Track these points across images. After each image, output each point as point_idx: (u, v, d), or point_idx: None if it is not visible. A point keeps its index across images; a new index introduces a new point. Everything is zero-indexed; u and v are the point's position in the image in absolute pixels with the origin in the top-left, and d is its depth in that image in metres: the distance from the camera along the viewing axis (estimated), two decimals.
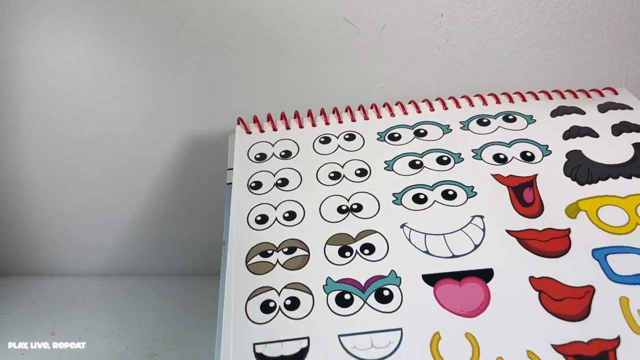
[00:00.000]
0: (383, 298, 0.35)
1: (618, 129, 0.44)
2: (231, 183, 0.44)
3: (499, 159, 0.43)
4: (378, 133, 0.46)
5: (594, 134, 0.44)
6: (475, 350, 0.32)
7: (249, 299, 0.36)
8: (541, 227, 0.38)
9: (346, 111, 0.49)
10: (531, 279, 0.35)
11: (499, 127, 0.45)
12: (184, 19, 0.51)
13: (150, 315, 0.46)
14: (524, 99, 0.48)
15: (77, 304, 0.50)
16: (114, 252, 0.57)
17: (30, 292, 0.54)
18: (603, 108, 0.46)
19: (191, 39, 0.52)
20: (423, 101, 0.49)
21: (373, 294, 0.35)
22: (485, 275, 0.36)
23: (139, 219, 0.57)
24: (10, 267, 0.57)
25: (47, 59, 0.52)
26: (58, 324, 0.46)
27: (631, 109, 0.46)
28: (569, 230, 0.38)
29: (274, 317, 0.35)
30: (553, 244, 0.37)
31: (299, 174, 0.44)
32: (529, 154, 0.43)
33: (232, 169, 0.45)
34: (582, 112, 0.46)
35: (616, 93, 0.49)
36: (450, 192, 0.41)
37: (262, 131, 0.48)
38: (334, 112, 0.49)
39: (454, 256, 0.37)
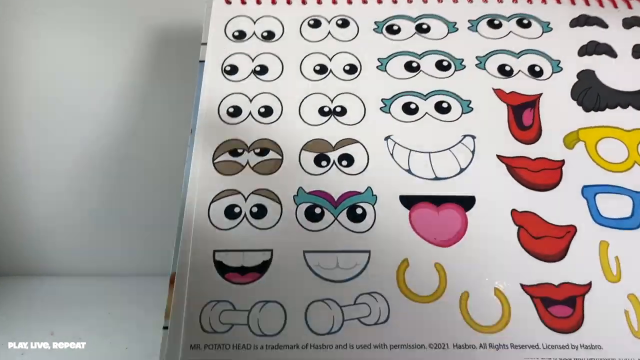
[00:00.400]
0: (355, 216, 0.33)
1: (639, 51, 0.40)
2: (204, 61, 0.39)
3: (504, 71, 0.38)
4: (375, 22, 0.41)
5: (613, 53, 0.40)
6: (441, 282, 0.31)
7: (212, 201, 0.33)
8: (534, 155, 0.36)
9: None
10: (513, 212, 0.34)
11: (510, 32, 0.40)
12: None
13: (150, 315, 0.45)
14: (544, 1, 0.42)
15: (77, 304, 0.49)
16: (114, 252, 0.56)
17: (30, 292, 0.53)
18: (628, 23, 0.41)
19: None
20: None
21: (345, 210, 0.33)
22: (466, 202, 0.34)
23: (139, 219, 0.55)
24: (10, 267, 0.56)
25: (46, 58, 0.52)
26: (58, 324, 0.45)
27: None
28: (563, 162, 0.35)
29: (238, 224, 0.33)
30: (544, 175, 0.35)
31: (281, 62, 0.39)
32: (537, 69, 0.39)
33: (205, 43, 0.40)
34: (605, 26, 0.41)
35: None
36: (445, 105, 0.37)
37: (243, 2, 0.42)
38: None
39: (436, 178, 0.34)
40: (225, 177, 0.34)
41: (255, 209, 0.33)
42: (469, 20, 0.41)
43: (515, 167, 0.35)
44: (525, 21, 0.41)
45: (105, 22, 0.51)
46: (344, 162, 0.35)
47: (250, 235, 0.32)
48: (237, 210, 0.33)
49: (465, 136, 0.36)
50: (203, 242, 0.32)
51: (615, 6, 0.43)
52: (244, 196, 0.33)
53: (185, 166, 0.35)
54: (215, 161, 0.35)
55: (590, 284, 0.32)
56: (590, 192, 0.35)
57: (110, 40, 0.52)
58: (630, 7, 0.43)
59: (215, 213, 0.33)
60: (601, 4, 0.43)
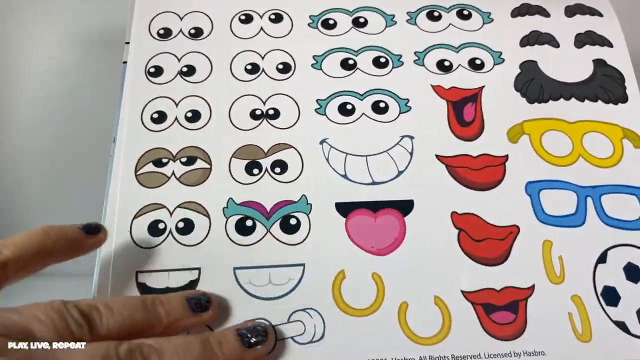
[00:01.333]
0: (289, 227, 0.31)
1: (581, 40, 0.39)
2: (127, 62, 0.36)
3: (443, 67, 0.37)
4: (310, 17, 0.39)
5: (555, 43, 0.39)
6: (379, 293, 0.30)
7: (135, 217, 0.31)
8: (476, 152, 0.34)
9: None
10: (453, 214, 0.32)
11: (450, 24, 0.39)
12: None
13: None
14: None
15: None
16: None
17: (30, 292, 0.50)
18: (571, 11, 0.40)
19: None
20: None
21: (278, 222, 0.31)
22: (404, 207, 0.32)
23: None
24: None
25: (45, 58, 0.51)
26: None
27: (601, 15, 0.40)
28: (506, 157, 0.34)
29: (163, 241, 0.31)
30: (486, 173, 0.34)
31: (210, 61, 0.36)
32: (478, 62, 0.37)
33: (129, 43, 0.37)
34: (547, 15, 0.40)
35: None
36: (382, 105, 0.35)
37: None
38: None
39: (373, 183, 0.33)
40: (148, 190, 0.32)
41: (181, 224, 0.31)
42: (407, 13, 0.39)
43: (456, 167, 0.34)
44: (465, 12, 0.39)
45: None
46: (277, 169, 0.33)
47: (176, 253, 0.30)
48: (161, 226, 0.31)
49: (403, 137, 0.34)
50: (125, 263, 0.30)
51: None
52: (169, 210, 0.31)
53: (107, 180, 0.32)
54: (137, 173, 0.32)
55: (533, 287, 0.31)
56: (534, 188, 0.34)
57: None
58: None
59: (138, 230, 0.31)
60: None
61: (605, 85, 0.37)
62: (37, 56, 0.50)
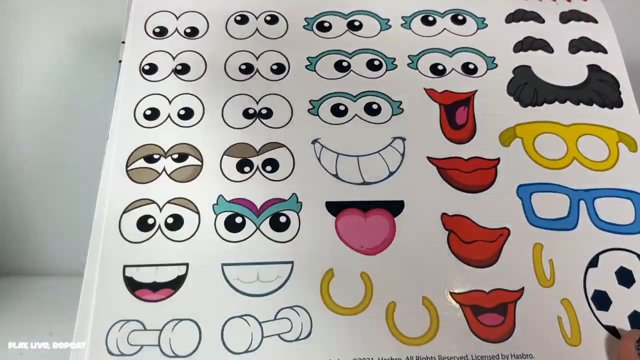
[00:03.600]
0: (278, 225, 0.31)
1: (576, 46, 0.39)
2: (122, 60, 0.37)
3: (437, 71, 0.37)
4: (306, 19, 0.39)
5: (549, 49, 0.39)
6: (367, 293, 0.30)
7: (124, 212, 0.31)
8: (468, 155, 0.34)
9: None
10: (444, 216, 0.32)
11: (444, 29, 0.39)
12: None
13: None
14: None
15: (77, 304, 0.48)
16: None
17: (30, 292, 0.53)
18: (566, 18, 0.40)
19: None
20: None
21: (268, 219, 0.31)
22: (395, 208, 0.32)
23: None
24: (10, 267, 0.55)
25: (45, 58, 0.51)
26: (57, 324, 0.43)
27: (596, 22, 0.40)
28: (498, 160, 0.34)
29: (152, 236, 0.31)
30: (477, 175, 0.34)
31: (204, 60, 0.37)
32: (471, 66, 0.37)
33: (125, 42, 0.37)
34: (541, 21, 0.40)
35: None
36: (375, 106, 0.35)
37: None
38: None
39: (364, 183, 0.33)
40: (139, 186, 0.32)
41: (170, 220, 0.31)
42: (402, 17, 0.39)
43: (447, 169, 0.34)
44: (460, 17, 0.40)
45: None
46: (268, 168, 0.33)
47: (164, 249, 0.30)
48: (150, 221, 0.31)
49: (395, 138, 0.34)
50: (112, 256, 0.30)
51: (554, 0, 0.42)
52: (158, 206, 0.31)
53: (101, 175, 0.32)
54: (128, 168, 0.32)
55: (522, 290, 0.31)
56: (525, 192, 0.34)
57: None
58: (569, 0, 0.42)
59: (127, 225, 0.31)
60: None
61: (600, 89, 0.37)
62: (34, 57, 0.50)
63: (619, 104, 0.37)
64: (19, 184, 0.53)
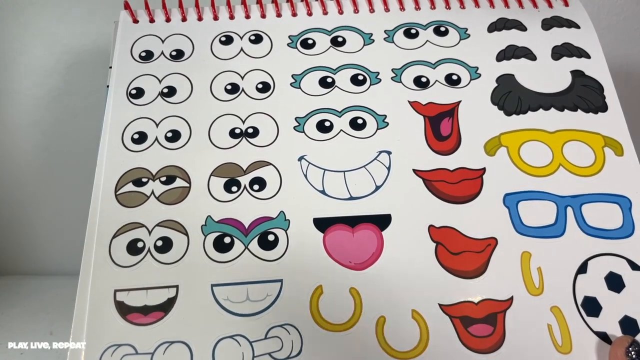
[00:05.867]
0: (267, 243, 0.31)
1: (559, 52, 0.39)
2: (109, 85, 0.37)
3: (420, 83, 0.37)
4: (290, 37, 0.39)
5: (532, 57, 0.39)
6: (357, 308, 0.30)
7: (114, 236, 0.31)
8: (453, 166, 0.35)
9: (257, 3, 0.41)
10: (431, 228, 0.32)
11: (427, 41, 0.39)
12: None
13: None
14: (462, 5, 0.41)
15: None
16: None
17: (30, 292, 0.53)
18: (548, 24, 0.41)
19: None
20: None
21: (256, 238, 0.32)
22: (382, 222, 0.32)
23: None
24: (10, 267, 0.56)
25: (45, 57, 0.51)
26: (57, 324, 0.46)
27: (578, 27, 0.41)
28: (483, 170, 0.35)
29: (141, 260, 0.31)
30: (463, 186, 0.34)
31: (190, 82, 0.37)
32: (454, 77, 0.38)
33: (112, 67, 0.38)
34: (524, 29, 0.40)
35: (567, 4, 0.43)
36: (360, 121, 0.36)
37: (152, 21, 0.40)
38: (241, 4, 0.41)
39: (351, 198, 0.33)
40: (128, 210, 0.32)
41: (160, 243, 0.31)
42: (385, 31, 0.40)
43: (433, 181, 0.34)
44: (442, 29, 0.40)
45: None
46: (256, 187, 0.33)
47: (154, 272, 0.30)
48: (140, 245, 0.31)
49: (380, 152, 0.35)
50: (103, 281, 0.30)
51: (536, 6, 0.42)
52: (148, 229, 0.32)
53: (91, 199, 0.33)
54: (117, 192, 0.33)
55: (511, 299, 0.31)
56: (512, 200, 0.34)
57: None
58: (550, 5, 0.42)
59: (117, 249, 0.31)
60: (521, 5, 0.42)
61: (584, 95, 0.38)
62: (34, 55, 0.51)
63: (603, 108, 0.37)
64: (19, 184, 0.53)
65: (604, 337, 0.30)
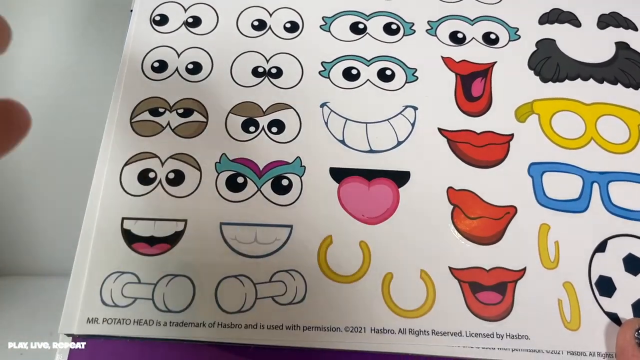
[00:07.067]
0: (280, 188, 0.31)
1: (605, 21, 0.37)
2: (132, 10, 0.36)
3: (456, 39, 0.36)
4: None
5: (576, 22, 0.37)
6: (365, 262, 0.29)
7: (126, 164, 0.31)
8: (481, 128, 0.33)
9: None
10: (449, 190, 0.31)
11: None
12: None
13: None
14: None
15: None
16: None
17: (30, 292, 0.53)
18: None
19: None
20: None
21: (270, 181, 0.31)
22: (400, 178, 0.31)
23: None
24: (10, 267, 0.55)
25: (44, 58, 0.51)
26: (57, 324, 0.43)
27: None
28: (511, 136, 0.33)
29: (152, 190, 0.30)
30: (488, 150, 0.33)
31: (216, 13, 0.36)
32: (492, 36, 0.36)
33: None
34: None
35: None
36: (388, 72, 0.34)
37: None
38: None
39: (371, 151, 0.32)
40: (142, 139, 0.31)
41: (171, 175, 0.31)
42: None
43: (458, 142, 0.33)
44: None
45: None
46: (274, 129, 0.32)
47: (164, 203, 0.30)
48: (151, 175, 0.31)
49: (406, 107, 0.33)
50: (111, 208, 0.30)
51: None
52: (160, 160, 0.31)
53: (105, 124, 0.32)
54: (133, 120, 0.32)
55: (524, 270, 0.30)
56: (537, 170, 0.33)
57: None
58: None
59: (128, 177, 0.30)
60: None
61: (626, 68, 0.36)
62: (35, 51, 0.50)
63: None
64: (19, 184, 0.53)
65: (614, 318, 0.29)
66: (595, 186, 0.32)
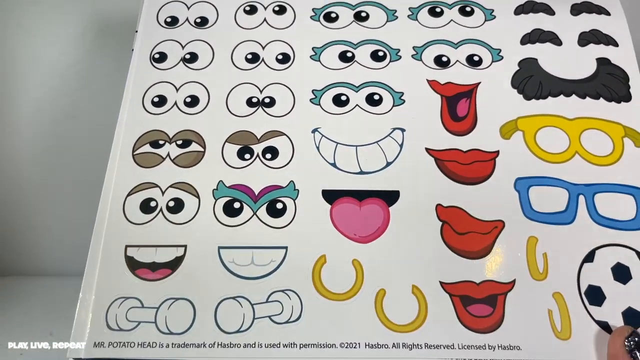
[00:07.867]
0: (275, 211, 0.32)
1: (586, 39, 0.38)
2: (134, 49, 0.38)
3: (441, 62, 0.37)
4: (313, 10, 0.39)
5: (557, 41, 0.38)
6: (358, 279, 0.31)
7: (129, 194, 0.33)
8: (467, 147, 0.35)
9: None
10: (438, 207, 0.33)
11: (451, 20, 0.39)
12: None
13: None
14: None
15: (77, 304, 0.48)
16: None
17: (30, 292, 0.53)
18: (577, 10, 0.40)
19: None
20: None
21: (265, 205, 0.32)
22: (390, 197, 0.33)
23: None
24: (10, 267, 0.56)
25: (44, 58, 0.51)
26: (57, 324, 0.44)
27: (608, 14, 0.40)
28: (497, 153, 0.34)
29: (153, 218, 0.32)
30: (475, 168, 0.34)
31: (212, 49, 0.38)
32: (476, 58, 0.37)
33: (138, 31, 0.39)
34: (552, 13, 0.39)
35: None
36: (376, 97, 0.36)
37: None
38: None
39: (361, 172, 0.33)
40: (143, 170, 0.33)
41: (172, 203, 0.32)
42: (409, 8, 0.39)
43: (445, 160, 0.34)
44: (468, 8, 0.40)
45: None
46: (268, 155, 0.34)
47: (165, 230, 0.31)
48: (153, 204, 0.32)
49: (394, 129, 0.35)
50: (115, 237, 0.31)
51: None
52: (161, 189, 0.33)
53: (109, 159, 0.34)
54: (135, 153, 0.34)
55: (513, 282, 0.31)
56: (523, 185, 0.34)
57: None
58: None
59: (131, 207, 0.32)
60: None
61: (608, 83, 0.37)
62: (40, 52, 0.51)
63: (627, 98, 0.36)
64: (19, 184, 0.53)
65: (605, 326, 0.30)
66: (581, 198, 0.33)
